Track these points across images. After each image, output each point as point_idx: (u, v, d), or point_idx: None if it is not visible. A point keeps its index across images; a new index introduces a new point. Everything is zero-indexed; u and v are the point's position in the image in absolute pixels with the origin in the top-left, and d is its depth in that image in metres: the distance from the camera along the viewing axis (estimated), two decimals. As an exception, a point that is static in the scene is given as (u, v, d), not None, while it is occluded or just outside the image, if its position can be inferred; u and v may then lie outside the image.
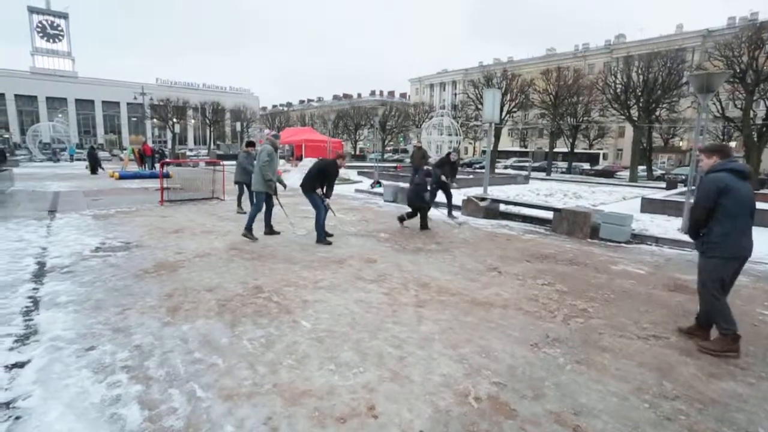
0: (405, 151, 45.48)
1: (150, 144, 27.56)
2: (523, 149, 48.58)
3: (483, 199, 9.40)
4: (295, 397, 2.50)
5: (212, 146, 56.21)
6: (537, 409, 2.45)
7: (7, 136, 52.21)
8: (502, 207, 9.62)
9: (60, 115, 58.45)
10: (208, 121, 57.26)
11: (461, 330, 3.50)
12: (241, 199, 9.32)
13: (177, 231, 7.18)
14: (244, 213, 9.06)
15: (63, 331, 3.32)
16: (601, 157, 39.10)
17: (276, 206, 6.98)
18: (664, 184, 21.34)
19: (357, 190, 14.35)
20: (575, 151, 36.16)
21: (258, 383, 2.64)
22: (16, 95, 61.42)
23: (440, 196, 8.94)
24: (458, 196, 9.82)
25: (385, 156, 47.54)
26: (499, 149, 39.02)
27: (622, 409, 2.47)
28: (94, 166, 20.09)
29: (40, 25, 65.49)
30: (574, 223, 7.74)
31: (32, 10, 64.59)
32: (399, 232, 7.53)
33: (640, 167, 28.07)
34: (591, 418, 2.37)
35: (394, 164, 31.87)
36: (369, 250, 6.14)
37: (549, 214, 8.48)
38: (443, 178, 8.74)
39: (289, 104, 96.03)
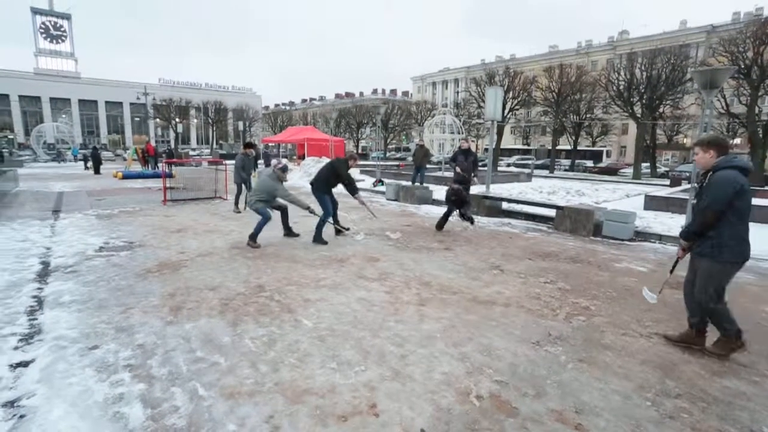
0: (407, 149, 45.45)
1: (153, 144, 27.65)
2: (526, 147, 48.35)
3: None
4: (296, 396, 2.50)
5: (215, 146, 56.35)
6: (539, 407, 2.44)
7: (11, 136, 52.51)
8: (505, 205, 9.59)
9: (64, 116, 58.76)
10: (210, 121, 57.39)
11: (463, 328, 3.50)
12: (239, 200, 9.33)
13: (180, 230, 7.20)
14: (240, 212, 9.09)
15: (67, 330, 3.34)
16: (604, 154, 38.85)
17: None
18: (667, 181, 21.23)
19: (359, 189, 14.32)
20: (578, 148, 36.02)
21: (260, 382, 2.65)
22: (20, 96, 61.72)
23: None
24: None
25: (388, 155, 47.53)
26: (501, 147, 38.99)
27: (624, 407, 2.46)
28: (97, 166, 20.23)
29: (43, 26, 65.77)
30: (576, 221, 7.72)
31: (35, 11, 64.88)
32: (401, 231, 7.52)
33: (644, 164, 27.92)
34: (593, 416, 2.36)
35: (397, 163, 31.83)
36: (371, 249, 6.14)
37: (551, 212, 8.45)
38: (458, 169, 7.54)
39: (291, 103, 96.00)
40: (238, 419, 2.28)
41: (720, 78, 7.39)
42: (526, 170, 25.33)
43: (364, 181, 16.59)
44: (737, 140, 34.11)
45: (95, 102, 68.46)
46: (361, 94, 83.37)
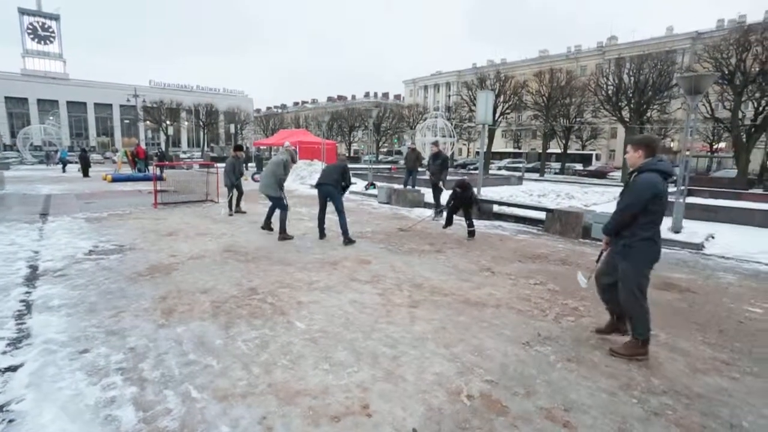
0: (399, 152, 45.58)
1: (143, 146, 27.38)
2: (517, 150, 48.86)
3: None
4: (289, 397, 2.52)
5: (206, 148, 55.91)
6: (528, 405, 2.49)
7: (-3, 138, 51.59)
8: (496, 208, 9.69)
9: (51, 118, 57.83)
10: (201, 123, 56.93)
11: (454, 329, 3.54)
12: (232, 202, 9.29)
13: (171, 233, 7.16)
14: (232, 215, 9.06)
15: (56, 334, 3.31)
16: (593, 157, 39.40)
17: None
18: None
19: (351, 192, 14.36)
20: (568, 152, 36.45)
21: (252, 383, 2.66)
22: (6, 97, 60.59)
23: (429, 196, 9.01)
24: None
25: (380, 158, 47.61)
26: (492, 150, 39.29)
27: (610, 404, 2.52)
28: (86, 169, 19.97)
29: (31, 26, 64.74)
30: (566, 224, 7.83)
31: (23, 12, 63.87)
32: (393, 234, 7.56)
33: (632, 168, 28.32)
34: (580, 413, 2.42)
35: (389, 166, 31.92)
36: (363, 252, 6.17)
37: (542, 215, 8.56)
38: (427, 172, 8.48)
39: (283, 106, 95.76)
40: (231, 420, 2.29)
41: (704, 84, 7.59)
42: (517, 173, 25.60)
43: (356, 184, 16.62)
44: (722, 144, 34.89)
45: (84, 104, 67.50)
46: (354, 97, 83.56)
